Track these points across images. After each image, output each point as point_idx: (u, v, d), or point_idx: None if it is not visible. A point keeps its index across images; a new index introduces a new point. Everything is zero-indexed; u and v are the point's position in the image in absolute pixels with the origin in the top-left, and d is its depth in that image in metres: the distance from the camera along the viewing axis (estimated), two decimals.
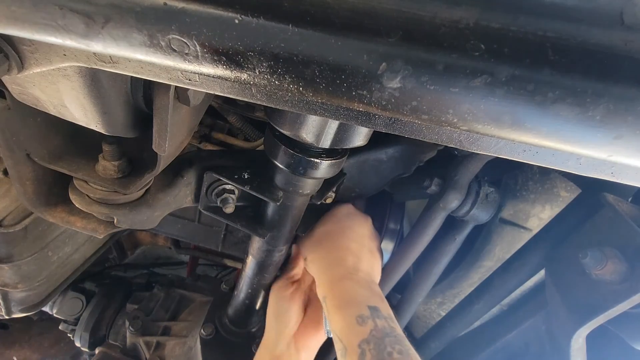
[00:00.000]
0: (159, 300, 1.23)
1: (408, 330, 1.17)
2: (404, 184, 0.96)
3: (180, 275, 1.41)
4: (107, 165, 0.53)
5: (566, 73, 0.26)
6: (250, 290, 0.91)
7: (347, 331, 0.65)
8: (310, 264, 0.82)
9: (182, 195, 0.67)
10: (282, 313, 0.84)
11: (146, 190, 0.61)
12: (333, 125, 0.51)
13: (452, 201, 0.78)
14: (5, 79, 0.41)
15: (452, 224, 0.86)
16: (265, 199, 0.66)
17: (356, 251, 0.80)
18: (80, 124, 0.44)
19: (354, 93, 0.29)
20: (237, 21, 0.27)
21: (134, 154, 0.56)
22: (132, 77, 0.43)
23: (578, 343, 0.61)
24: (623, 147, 0.28)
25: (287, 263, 0.92)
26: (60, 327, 1.30)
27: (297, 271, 0.91)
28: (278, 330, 0.83)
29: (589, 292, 0.59)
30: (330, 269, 0.77)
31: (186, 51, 0.29)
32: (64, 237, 0.84)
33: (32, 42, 0.34)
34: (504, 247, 0.86)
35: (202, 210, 0.70)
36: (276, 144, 0.58)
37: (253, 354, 0.99)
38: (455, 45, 0.26)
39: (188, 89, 0.41)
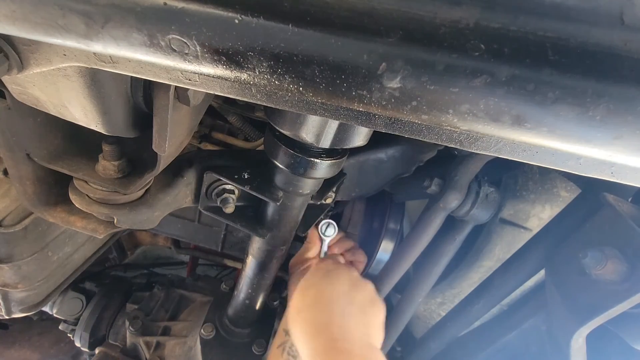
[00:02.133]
0: (159, 300, 1.23)
1: (408, 330, 1.17)
2: (404, 184, 0.96)
3: (180, 275, 1.41)
4: (107, 165, 0.53)
5: (566, 73, 0.26)
6: (250, 290, 0.91)
7: None
8: (292, 324, 0.70)
9: (182, 195, 0.67)
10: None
11: (146, 190, 0.61)
12: (333, 125, 0.51)
13: (452, 201, 0.78)
14: (5, 79, 0.41)
15: (452, 224, 0.86)
16: (265, 199, 0.66)
17: (345, 315, 0.68)
18: (80, 124, 0.44)
19: (354, 93, 0.29)
20: (237, 21, 0.27)
21: (134, 154, 0.56)
22: (132, 77, 0.43)
23: (578, 343, 0.61)
24: (623, 147, 0.28)
25: (304, 242, 0.94)
26: (60, 327, 1.30)
27: (312, 252, 0.94)
28: None
29: (589, 292, 0.59)
30: (314, 337, 0.65)
31: (186, 51, 0.29)
32: (64, 237, 0.84)
33: (32, 42, 0.34)
34: (504, 247, 0.86)
35: (202, 210, 0.70)
36: (276, 144, 0.58)
37: (253, 354, 0.99)
38: (455, 45, 0.26)
39: (188, 89, 0.41)
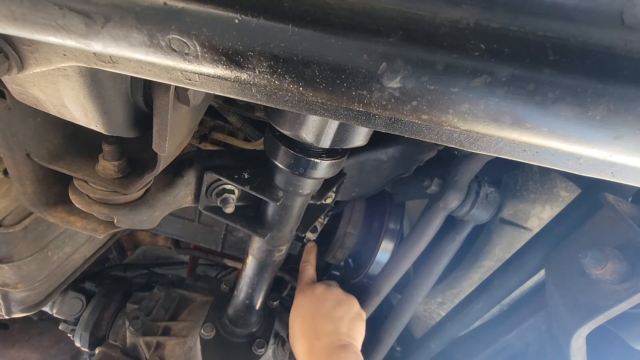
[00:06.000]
0: (159, 300, 1.23)
1: (408, 330, 1.17)
2: (404, 184, 0.96)
3: (180, 275, 1.40)
4: (107, 165, 0.53)
5: (566, 73, 0.26)
6: (250, 290, 0.91)
7: None
8: (292, 340, 0.91)
9: (182, 195, 0.67)
10: None
11: (146, 190, 0.61)
12: (333, 125, 0.51)
13: (452, 201, 0.78)
14: (5, 79, 0.41)
15: (452, 224, 0.86)
16: (265, 199, 0.66)
17: (326, 324, 0.89)
18: (80, 124, 0.44)
19: (354, 93, 0.29)
20: (237, 21, 0.27)
21: (134, 154, 0.55)
22: (132, 77, 0.43)
23: (578, 343, 0.61)
24: (623, 147, 0.28)
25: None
26: (60, 327, 1.30)
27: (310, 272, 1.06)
28: None
29: (589, 292, 0.59)
30: (302, 342, 0.87)
31: (186, 51, 0.29)
32: (64, 237, 0.84)
33: (32, 42, 0.34)
34: (504, 247, 0.86)
35: (202, 210, 0.70)
36: (276, 144, 0.58)
37: (253, 354, 0.99)
38: (455, 45, 0.26)
39: (188, 89, 0.41)
